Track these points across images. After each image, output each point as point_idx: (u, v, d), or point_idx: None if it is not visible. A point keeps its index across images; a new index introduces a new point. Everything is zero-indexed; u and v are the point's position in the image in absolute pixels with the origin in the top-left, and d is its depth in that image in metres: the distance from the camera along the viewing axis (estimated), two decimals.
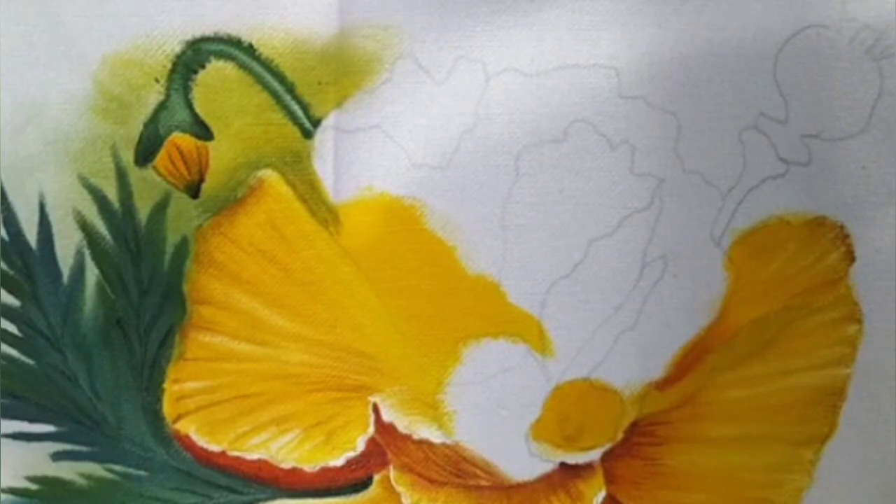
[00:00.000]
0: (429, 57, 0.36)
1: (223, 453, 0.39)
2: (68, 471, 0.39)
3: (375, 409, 0.39)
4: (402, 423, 0.39)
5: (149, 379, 0.38)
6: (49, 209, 0.37)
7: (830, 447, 0.39)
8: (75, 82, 0.36)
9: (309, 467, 0.39)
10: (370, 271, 0.37)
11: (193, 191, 0.37)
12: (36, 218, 0.37)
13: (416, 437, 0.39)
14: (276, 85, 0.36)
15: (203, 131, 0.37)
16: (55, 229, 0.37)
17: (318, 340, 0.38)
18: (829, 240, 0.38)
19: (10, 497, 0.40)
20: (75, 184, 0.37)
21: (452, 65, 0.36)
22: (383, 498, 0.40)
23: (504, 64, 0.36)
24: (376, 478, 0.39)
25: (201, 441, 0.39)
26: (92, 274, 0.38)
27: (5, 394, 0.38)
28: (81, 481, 0.39)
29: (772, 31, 0.36)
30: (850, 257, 0.38)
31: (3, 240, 0.37)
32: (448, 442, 0.39)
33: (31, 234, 0.37)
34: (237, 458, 0.39)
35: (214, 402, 0.38)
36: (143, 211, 0.37)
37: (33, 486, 0.39)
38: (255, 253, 0.37)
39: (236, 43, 0.36)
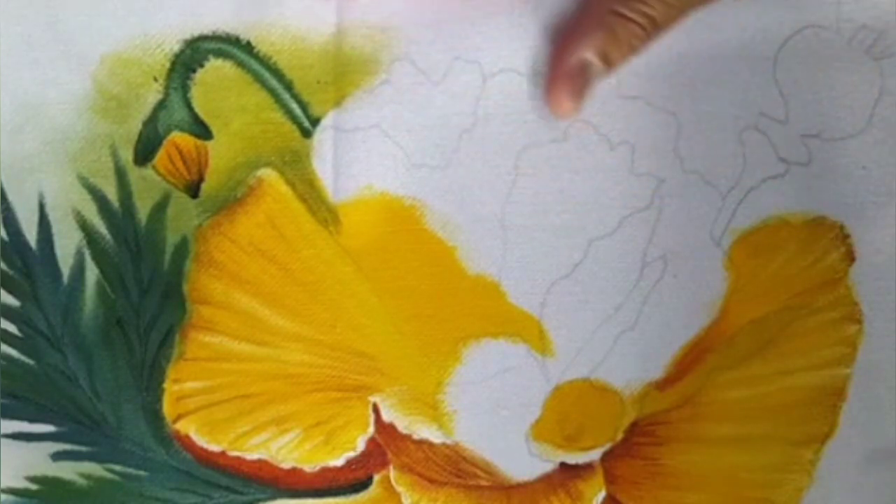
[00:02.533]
0: (425, 59, 0.36)
1: (223, 453, 0.39)
2: (68, 471, 0.39)
3: (375, 409, 0.39)
4: (402, 423, 0.39)
5: (149, 379, 0.38)
6: (49, 209, 0.37)
7: (830, 447, 0.39)
8: (74, 82, 0.36)
9: (309, 467, 0.39)
10: (370, 271, 0.37)
11: (193, 190, 0.37)
12: (36, 218, 0.37)
13: (416, 437, 0.39)
14: (274, 83, 0.36)
15: (202, 130, 0.37)
16: (55, 229, 0.37)
17: (318, 340, 0.38)
18: (829, 240, 0.38)
19: (10, 497, 0.40)
20: (75, 183, 0.37)
21: (449, 66, 0.36)
22: (383, 498, 0.40)
23: (501, 65, 0.36)
24: (376, 478, 0.40)
25: (201, 441, 0.39)
26: (92, 274, 0.38)
27: (5, 394, 0.38)
28: (81, 481, 0.39)
29: (770, 32, 0.36)
30: (850, 257, 0.38)
31: (3, 240, 0.37)
32: (448, 442, 0.39)
33: (31, 234, 0.37)
34: (237, 458, 0.39)
35: (214, 402, 0.38)
36: (142, 211, 0.37)
37: (33, 486, 0.40)
38: (254, 252, 0.37)
39: (234, 41, 0.36)
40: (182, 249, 0.37)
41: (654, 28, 0.35)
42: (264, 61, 0.36)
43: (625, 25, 0.34)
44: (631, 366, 0.38)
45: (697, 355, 0.38)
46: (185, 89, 0.36)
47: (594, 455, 0.39)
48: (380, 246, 0.37)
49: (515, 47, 0.36)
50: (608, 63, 0.35)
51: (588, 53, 0.34)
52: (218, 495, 0.40)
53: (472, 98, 0.36)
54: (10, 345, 0.38)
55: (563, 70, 0.35)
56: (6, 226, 0.37)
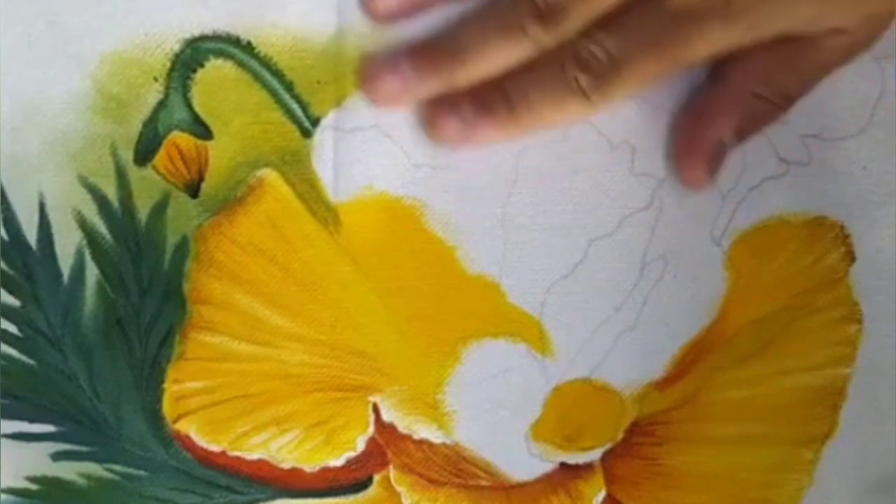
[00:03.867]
0: None
1: (223, 453, 0.39)
2: (68, 471, 0.39)
3: (375, 409, 0.39)
4: (402, 423, 0.39)
5: (149, 379, 0.38)
6: (49, 209, 0.37)
7: (830, 447, 0.39)
8: (74, 82, 0.36)
9: (309, 467, 0.39)
10: (370, 271, 0.37)
11: (193, 190, 0.37)
12: (36, 218, 0.37)
13: (416, 437, 0.39)
14: (274, 83, 0.36)
15: (202, 130, 0.37)
16: (55, 229, 0.37)
17: (318, 340, 0.38)
18: (829, 240, 0.38)
19: (10, 497, 0.40)
20: (75, 183, 0.37)
21: None
22: (383, 498, 0.40)
23: None
24: (376, 478, 0.39)
25: (201, 441, 0.39)
26: (92, 274, 0.38)
27: (5, 394, 0.38)
28: (81, 481, 0.39)
29: None
30: (850, 257, 0.38)
31: (3, 240, 0.37)
32: (448, 442, 0.39)
33: (31, 234, 0.37)
34: (237, 458, 0.39)
35: (214, 402, 0.38)
36: (142, 210, 0.37)
37: (33, 486, 0.39)
38: (255, 252, 0.37)
39: (234, 41, 0.36)
40: (182, 249, 0.37)
41: (789, 105, 0.36)
42: (264, 62, 0.36)
43: (764, 106, 0.35)
44: (631, 366, 0.38)
45: (697, 355, 0.38)
46: (185, 89, 0.36)
47: (594, 455, 0.39)
48: (380, 246, 0.37)
49: None
50: (742, 139, 0.36)
51: (727, 135, 0.35)
52: (218, 495, 0.40)
53: None
54: (10, 345, 0.38)
55: (700, 147, 0.36)
56: (6, 226, 0.37)
